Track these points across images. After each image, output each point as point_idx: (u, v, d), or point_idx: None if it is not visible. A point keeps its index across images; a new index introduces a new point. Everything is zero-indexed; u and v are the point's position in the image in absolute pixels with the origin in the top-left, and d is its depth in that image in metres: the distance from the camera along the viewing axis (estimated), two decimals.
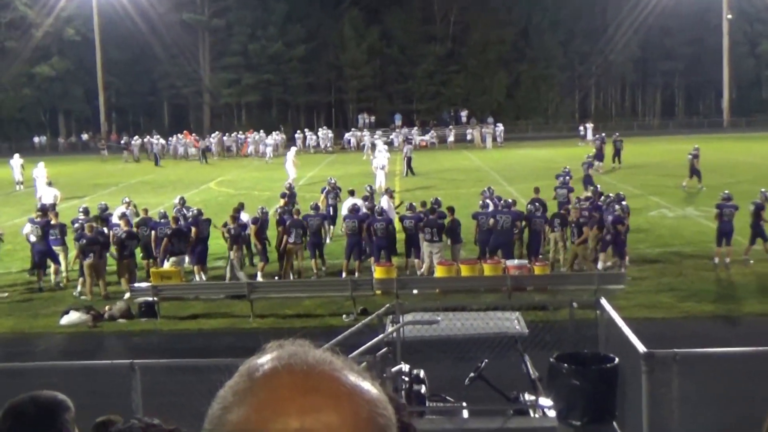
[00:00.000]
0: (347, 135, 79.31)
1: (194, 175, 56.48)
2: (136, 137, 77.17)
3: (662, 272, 23.42)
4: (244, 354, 1.45)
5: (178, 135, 77.35)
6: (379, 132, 74.34)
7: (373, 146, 59.14)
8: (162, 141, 73.71)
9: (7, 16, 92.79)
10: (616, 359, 10.97)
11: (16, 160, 51.62)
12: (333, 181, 30.74)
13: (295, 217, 24.26)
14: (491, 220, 23.72)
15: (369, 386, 1.39)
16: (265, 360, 1.39)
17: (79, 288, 23.43)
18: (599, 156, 48.83)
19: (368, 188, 29.85)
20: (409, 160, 51.68)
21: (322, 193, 29.98)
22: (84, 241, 22.87)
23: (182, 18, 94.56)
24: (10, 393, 3.43)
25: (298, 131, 78.74)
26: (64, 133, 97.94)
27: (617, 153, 52.11)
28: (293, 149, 53.92)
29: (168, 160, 70.34)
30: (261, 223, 24.59)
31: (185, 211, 26.28)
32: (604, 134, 55.09)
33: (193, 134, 79.12)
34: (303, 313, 20.70)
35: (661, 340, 14.29)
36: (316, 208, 25.35)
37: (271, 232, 25.63)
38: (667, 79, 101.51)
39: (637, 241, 26.66)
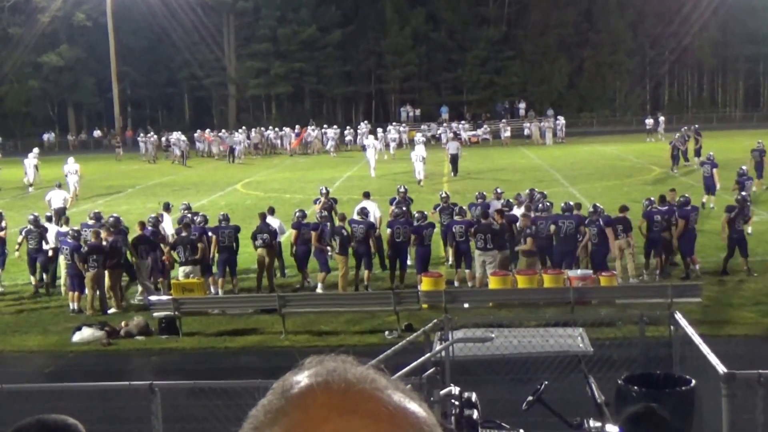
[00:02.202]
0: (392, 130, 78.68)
1: (219, 176, 56.75)
2: (151, 133, 77.75)
3: (744, 284, 23.23)
4: (276, 375, 1.47)
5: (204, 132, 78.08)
6: (397, 127, 74.40)
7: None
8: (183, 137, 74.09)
9: None
10: (693, 381, 10.94)
11: (30, 160, 52.00)
12: (403, 190, 29.70)
13: (338, 223, 24.32)
14: (552, 226, 23.66)
15: (416, 408, 1.40)
16: (300, 377, 1.41)
17: (71, 305, 23.65)
18: (697, 152, 48.45)
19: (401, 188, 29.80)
20: (453, 157, 51.56)
21: (391, 204, 28.72)
22: (86, 248, 23.15)
23: (204, 0, 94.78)
24: (16, 418, 3.51)
25: (335, 126, 79.14)
26: (74, 129, 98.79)
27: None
28: (372, 139, 58.29)
29: (194, 159, 70.71)
30: (321, 228, 24.45)
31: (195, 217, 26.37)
32: (696, 126, 54.56)
33: (210, 132, 78.88)
34: (341, 330, 20.74)
35: (743, 359, 14.23)
36: (363, 212, 25.25)
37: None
38: (751, 65, 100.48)
39: (715, 248, 26.48)
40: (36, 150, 53.86)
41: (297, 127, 77.82)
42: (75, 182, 45.31)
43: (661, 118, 74.45)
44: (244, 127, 76.76)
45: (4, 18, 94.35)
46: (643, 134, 73.86)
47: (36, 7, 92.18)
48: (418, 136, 59.84)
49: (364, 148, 61.19)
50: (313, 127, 77.35)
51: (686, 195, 25.04)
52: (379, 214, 26.79)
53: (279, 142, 76.87)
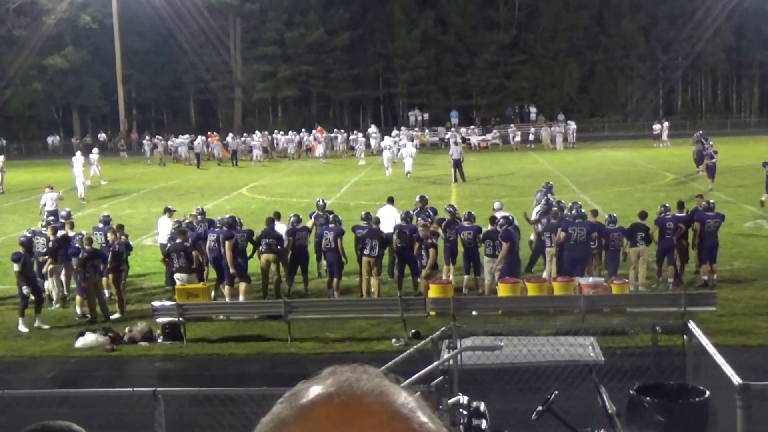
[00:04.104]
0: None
1: (224, 180, 56.79)
2: (158, 137, 77.77)
3: (759, 292, 23.12)
4: (280, 382, 1.46)
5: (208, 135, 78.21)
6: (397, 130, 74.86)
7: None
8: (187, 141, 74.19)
9: (16, 1, 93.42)
10: (707, 392, 10.88)
11: (78, 158, 52.34)
12: (425, 199, 28.52)
13: (374, 226, 24.29)
14: (563, 234, 23.55)
15: (424, 419, 1.40)
16: (310, 387, 1.40)
17: (78, 309, 23.67)
18: (700, 159, 48.03)
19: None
20: (456, 162, 51.23)
21: (412, 212, 27.18)
22: (85, 254, 23.15)
23: (211, 2, 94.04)
24: (19, 424, 3.46)
25: (341, 130, 79.21)
26: (78, 132, 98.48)
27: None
28: (388, 140, 60.08)
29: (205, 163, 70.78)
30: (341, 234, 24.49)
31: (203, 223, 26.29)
32: (701, 132, 53.88)
33: (216, 134, 79.07)
34: (347, 337, 20.72)
35: (758, 370, 14.15)
36: (367, 218, 25.14)
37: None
38: (766, 70, 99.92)
39: (729, 256, 26.39)
40: (96, 150, 54.60)
41: (303, 130, 77.98)
42: (81, 183, 45.89)
43: (665, 124, 74.18)
44: (257, 132, 76.64)
45: (9, 20, 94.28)
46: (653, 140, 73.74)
47: (41, 9, 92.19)
48: (402, 137, 65.45)
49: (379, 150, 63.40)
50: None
51: (712, 201, 24.89)
52: (399, 221, 26.33)
53: (287, 146, 76.61)
